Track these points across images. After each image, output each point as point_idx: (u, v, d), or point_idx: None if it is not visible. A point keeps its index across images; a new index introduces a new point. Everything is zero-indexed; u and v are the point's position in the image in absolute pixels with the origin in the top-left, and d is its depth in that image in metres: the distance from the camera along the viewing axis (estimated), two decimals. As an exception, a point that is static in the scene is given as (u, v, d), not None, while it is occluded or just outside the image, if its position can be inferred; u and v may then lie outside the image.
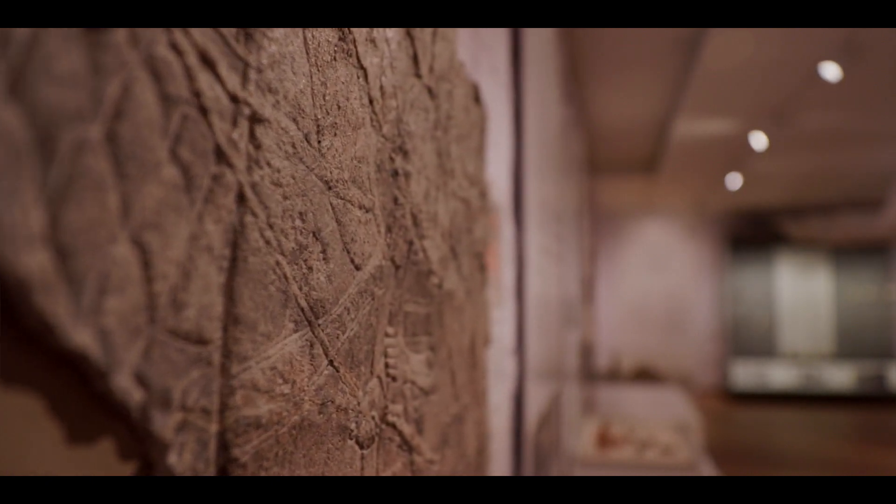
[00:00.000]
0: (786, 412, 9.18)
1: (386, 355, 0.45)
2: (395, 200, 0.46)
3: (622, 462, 2.97)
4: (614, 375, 6.17)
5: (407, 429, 0.47)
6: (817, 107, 5.01)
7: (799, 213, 9.77)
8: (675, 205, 10.26)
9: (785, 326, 10.60)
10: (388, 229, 0.45)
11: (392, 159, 0.46)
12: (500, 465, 1.31)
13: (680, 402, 5.68)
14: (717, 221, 11.12)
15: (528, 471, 1.64)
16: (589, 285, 7.93)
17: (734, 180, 6.99)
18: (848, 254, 10.50)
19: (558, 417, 2.58)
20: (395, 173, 0.47)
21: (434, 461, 0.54)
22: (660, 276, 11.04)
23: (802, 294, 10.68)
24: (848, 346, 10.44)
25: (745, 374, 10.23)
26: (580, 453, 3.13)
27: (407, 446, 0.47)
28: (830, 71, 3.90)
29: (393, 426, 0.45)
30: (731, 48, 3.89)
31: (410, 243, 0.48)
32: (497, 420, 1.29)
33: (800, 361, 10.39)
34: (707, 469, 3.14)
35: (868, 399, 9.78)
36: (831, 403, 9.81)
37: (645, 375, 6.17)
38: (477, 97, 0.79)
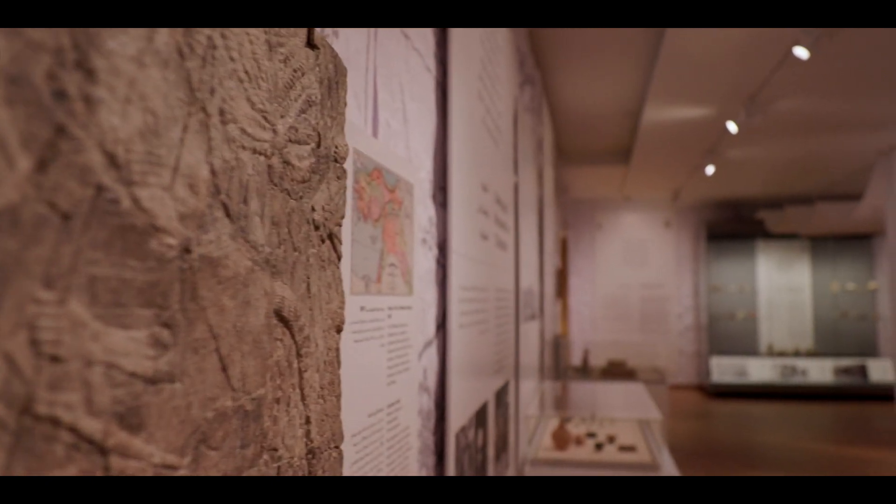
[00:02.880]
0: (765, 407, 9.16)
1: (34, 327, 0.34)
2: (61, 129, 0.35)
3: (577, 461, 2.87)
4: (585, 371, 6.09)
5: (91, 425, 0.36)
6: (791, 93, 4.94)
7: (778, 205, 9.75)
8: (652, 196, 10.21)
9: (764, 320, 10.59)
10: (42, 165, 0.34)
11: (54, 76, 0.35)
12: (407, 463, 1.21)
13: (649, 398, 5.60)
14: (695, 213, 11.08)
15: (451, 471, 1.54)
16: (560, 278, 7.85)
17: (709, 169, 6.93)
18: (828, 246, 10.50)
19: (505, 414, 2.48)
20: (62, 95, 0.36)
21: (176, 465, 0.43)
22: (637, 269, 10.99)
23: (782, 287, 10.67)
24: (828, 340, 10.45)
25: (724, 369, 10.20)
26: (534, 452, 3.03)
27: (93, 446, 0.36)
28: (803, 54, 3.83)
29: (55, 421, 0.34)
30: (698, 32, 3.81)
31: (100, 188, 0.37)
32: (402, 417, 1.18)
33: (779, 355, 10.38)
34: (668, 468, 3.06)
35: (848, 393, 9.78)
36: (811, 398, 9.80)
37: (616, 371, 6.09)
38: (311, 41, 0.68)
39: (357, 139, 0.98)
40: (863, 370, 9.96)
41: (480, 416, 1.93)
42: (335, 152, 0.75)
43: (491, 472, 2.13)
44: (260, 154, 0.56)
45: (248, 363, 0.53)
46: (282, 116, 0.61)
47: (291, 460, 0.62)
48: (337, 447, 0.74)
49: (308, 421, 0.67)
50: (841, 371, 10.01)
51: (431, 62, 1.54)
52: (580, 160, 7.35)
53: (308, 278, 0.67)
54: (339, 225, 0.76)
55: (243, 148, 0.53)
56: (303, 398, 0.65)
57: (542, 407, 3.79)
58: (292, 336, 0.63)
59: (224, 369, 0.50)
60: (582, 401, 4.15)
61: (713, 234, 10.56)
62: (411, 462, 1.25)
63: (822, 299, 10.54)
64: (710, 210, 11.05)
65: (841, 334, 10.40)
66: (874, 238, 10.29)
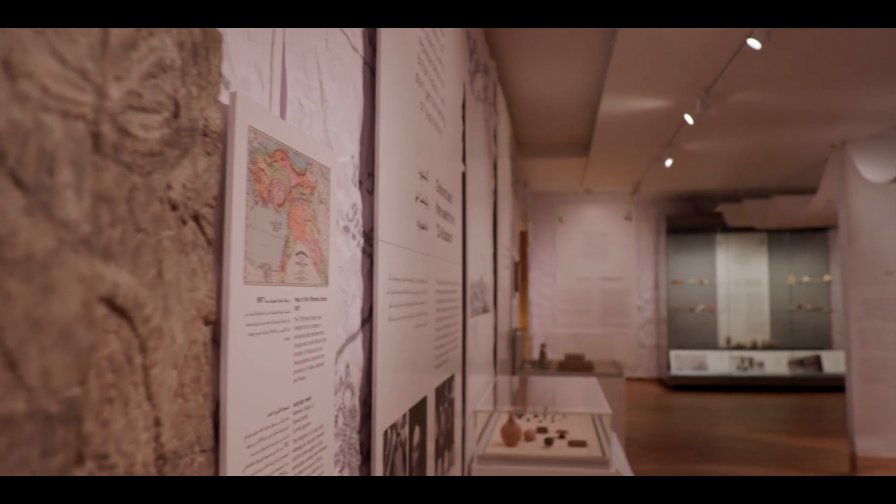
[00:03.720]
0: (722, 399, 9.28)
1: None
2: None
3: (525, 457, 2.83)
4: (542, 365, 6.07)
5: None
6: (747, 86, 4.96)
7: (736, 198, 9.86)
8: (613, 189, 10.25)
9: (723, 313, 10.72)
10: None
11: None
12: (320, 465, 1.14)
13: (608, 392, 5.60)
14: (656, 207, 11.17)
15: (379, 471, 1.47)
16: (519, 271, 7.83)
17: (667, 162, 6.96)
18: (785, 239, 10.66)
19: (449, 410, 2.42)
20: None
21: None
22: (597, 263, 11.04)
23: (741, 280, 10.81)
24: (784, 332, 10.62)
25: (683, 362, 10.30)
26: (482, 449, 2.99)
27: None
28: (755, 45, 3.84)
29: None
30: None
31: None
32: (314, 415, 1.11)
33: (738, 348, 10.52)
34: (619, 463, 3.04)
35: (803, 384, 9.96)
36: (768, 390, 9.95)
37: (574, 364, 6.09)
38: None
39: (256, 117, 0.91)
40: (817, 362, 10.15)
41: (417, 413, 1.87)
42: (204, 125, 0.68)
43: (431, 470, 2.07)
44: (77, 119, 0.49)
45: (53, 358, 0.46)
46: (117, 79, 0.54)
47: (131, 468, 0.55)
48: (204, 451, 0.67)
49: (158, 423, 0.59)
50: (796, 363, 10.19)
51: (359, 41, 1.47)
52: (540, 152, 7.33)
53: (160, 263, 0.60)
54: (210, 206, 0.68)
55: (46, 110, 0.45)
56: (149, 397, 0.58)
57: (496, 402, 3.75)
58: (133, 328, 0.56)
59: (12, 366, 0.42)
60: (536, 395, 4.11)
61: (673, 227, 10.65)
62: (326, 463, 1.18)
63: (778, 292, 10.71)
64: (671, 203, 11.14)
65: (797, 326, 10.58)
66: (829, 231, 10.48)
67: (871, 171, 5.18)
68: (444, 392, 2.33)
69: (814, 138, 6.58)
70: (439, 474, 2.26)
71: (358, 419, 1.43)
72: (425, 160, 2.00)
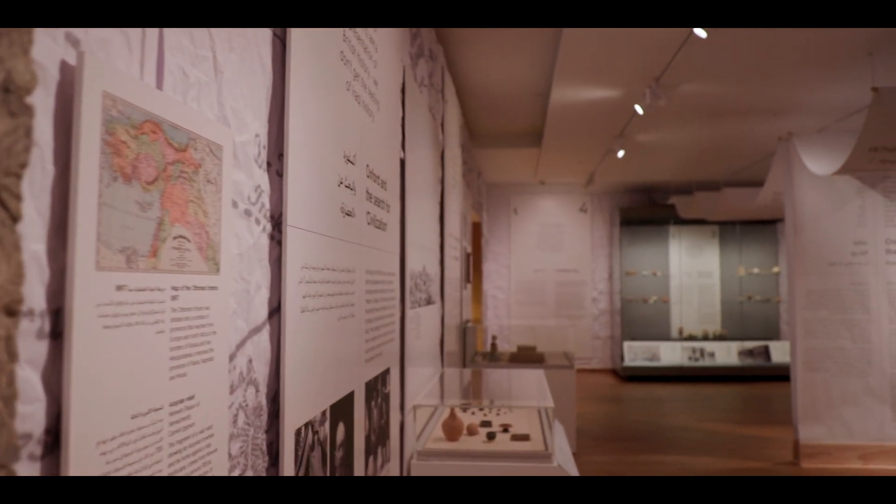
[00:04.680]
0: (674, 389, 9.38)
1: None
2: None
3: (466, 452, 2.76)
4: (493, 357, 6.02)
5: None
6: (696, 77, 4.96)
7: (689, 190, 9.95)
8: (568, 181, 10.26)
9: (676, 304, 10.84)
10: None
11: None
12: (208, 469, 1.04)
13: (559, 384, 5.58)
14: (610, 199, 11.23)
15: (290, 472, 1.37)
16: (473, 263, 7.77)
17: (620, 153, 6.96)
18: (736, 231, 10.81)
19: (383, 405, 2.33)
20: None
21: None
22: (552, 254, 11.06)
23: (693, 271, 10.94)
24: (735, 323, 10.79)
25: (636, 353, 10.39)
26: (422, 444, 2.91)
27: None
28: (702, 34, 3.81)
29: None
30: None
31: None
32: (199, 415, 1.01)
33: (689, 339, 10.65)
34: (562, 457, 2.99)
35: (752, 374, 10.13)
36: (718, 379, 10.10)
37: (526, 356, 6.05)
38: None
39: (114, 83, 0.80)
40: (766, 352, 10.33)
41: (341, 409, 1.77)
42: (5, 80, 0.57)
43: (360, 468, 1.98)
44: None
45: None
46: None
47: None
48: (3, 465, 0.57)
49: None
50: (746, 353, 10.36)
51: (267, 12, 1.36)
52: (493, 143, 7.26)
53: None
54: (16, 175, 0.58)
55: None
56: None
57: (443, 396, 3.67)
58: None
59: None
60: (483, 388, 4.05)
61: (627, 219, 10.71)
62: (217, 466, 1.08)
63: (729, 283, 10.87)
64: (625, 195, 11.21)
65: (747, 317, 10.75)
66: (778, 223, 10.66)
67: (816, 163, 5.23)
68: (376, 386, 2.24)
69: (762, 131, 6.65)
70: (371, 473, 2.17)
71: (265, 418, 1.33)
72: (352, 143, 1.90)
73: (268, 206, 1.34)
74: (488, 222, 10.76)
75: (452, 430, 2.94)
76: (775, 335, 10.70)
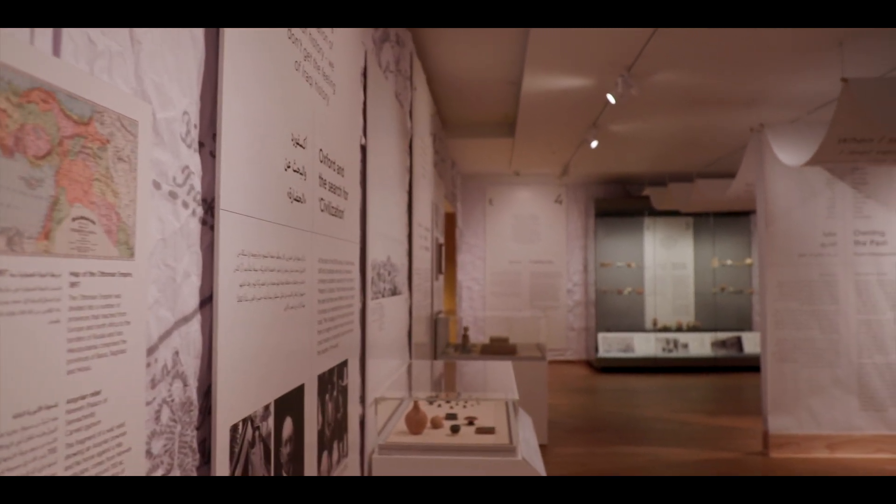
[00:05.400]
0: (648, 380, 9.40)
1: None
2: None
3: (429, 445, 2.69)
4: (464, 349, 5.97)
5: None
6: (668, 67, 4.92)
7: (663, 182, 9.95)
8: (543, 172, 10.21)
9: (650, 295, 10.86)
10: None
11: None
12: (118, 470, 0.96)
13: (531, 375, 5.54)
14: (585, 190, 11.21)
15: (224, 471, 1.30)
16: (446, 254, 7.69)
17: (593, 143, 6.92)
18: (709, 222, 10.85)
19: (340, 399, 2.25)
20: None
21: None
22: (527, 245, 11.02)
23: (667, 263, 10.97)
24: (708, 314, 10.84)
25: (611, 344, 10.40)
26: (384, 438, 2.84)
27: None
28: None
29: None
30: None
31: None
32: (107, 412, 0.93)
33: (663, 330, 10.68)
34: (528, 450, 2.93)
35: (725, 365, 10.19)
36: (692, 370, 10.14)
37: (498, 348, 6.00)
38: None
39: (-7, 43, 0.71)
40: (738, 343, 10.40)
41: (288, 403, 1.70)
42: None
43: (312, 464, 1.91)
44: None
45: None
46: None
47: None
48: None
49: None
50: (718, 344, 10.42)
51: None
52: (467, 132, 7.18)
53: None
54: None
55: None
56: None
57: (410, 388, 3.60)
58: None
59: None
60: (451, 380, 3.99)
61: (602, 210, 10.70)
62: (131, 467, 1.00)
63: (703, 275, 10.91)
64: (600, 187, 11.19)
65: (720, 308, 10.80)
66: (751, 215, 10.71)
67: (787, 154, 5.22)
68: (332, 379, 2.16)
69: (735, 122, 6.64)
70: (326, 468, 2.10)
71: (196, 413, 1.25)
72: (303, 126, 1.82)
73: (198, 188, 1.26)
74: (463, 213, 10.69)
75: (415, 423, 2.88)
76: (748, 326, 10.77)
